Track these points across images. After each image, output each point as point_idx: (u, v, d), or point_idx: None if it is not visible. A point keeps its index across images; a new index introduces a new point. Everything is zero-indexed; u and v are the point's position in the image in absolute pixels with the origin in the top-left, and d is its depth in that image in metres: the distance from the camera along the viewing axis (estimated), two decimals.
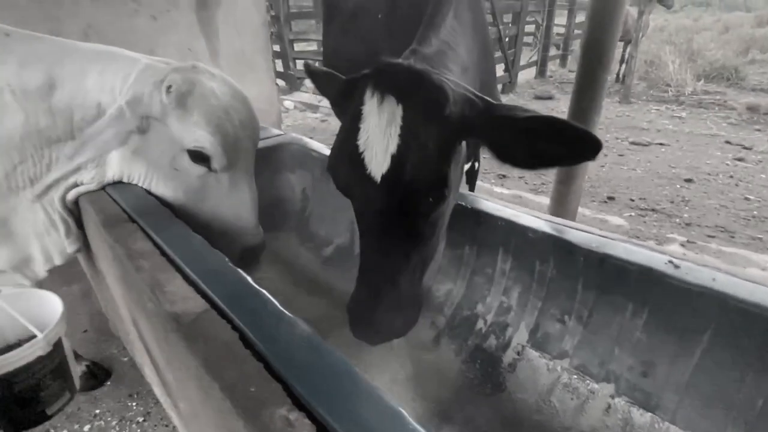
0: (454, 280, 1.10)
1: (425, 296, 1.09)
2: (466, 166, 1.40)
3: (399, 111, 0.71)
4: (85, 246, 1.27)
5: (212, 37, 3.36)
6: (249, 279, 0.74)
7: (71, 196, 1.11)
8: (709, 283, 0.72)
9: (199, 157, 1.01)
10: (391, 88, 0.72)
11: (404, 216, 0.74)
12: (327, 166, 0.82)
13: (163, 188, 1.06)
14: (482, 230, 1.03)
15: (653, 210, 3.08)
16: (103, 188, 1.13)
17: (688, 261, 0.78)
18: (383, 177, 0.71)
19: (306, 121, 6.24)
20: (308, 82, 8.22)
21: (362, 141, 0.73)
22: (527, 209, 1.02)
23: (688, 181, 3.55)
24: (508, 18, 7.77)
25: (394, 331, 0.81)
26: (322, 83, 0.94)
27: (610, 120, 5.47)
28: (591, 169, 3.71)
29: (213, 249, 0.83)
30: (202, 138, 0.98)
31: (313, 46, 9.24)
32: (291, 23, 8.29)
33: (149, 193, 1.08)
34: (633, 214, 3.03)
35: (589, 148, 0.64)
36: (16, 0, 2.45)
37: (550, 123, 0.67)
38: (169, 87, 0.96)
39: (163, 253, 0.83)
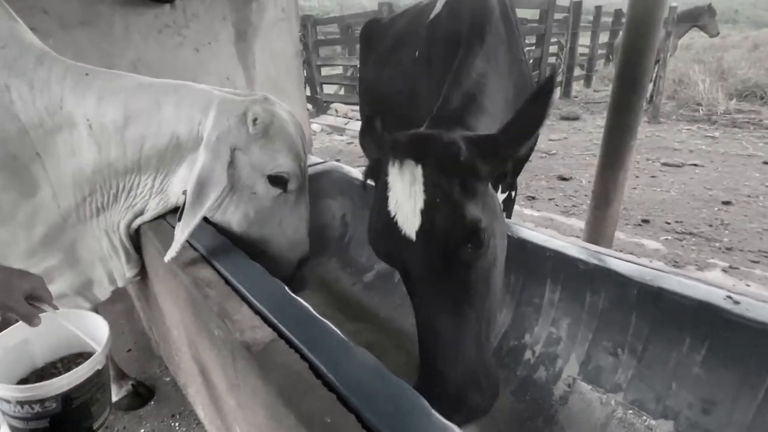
0: (500, 310, 1.11)
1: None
2: (503, 196, 1.42)
3: (419, 170, 0.75)
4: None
5: (249, 66, 3.53)
6: (310, 308, 0.78)
7: (136, 224, 1.18)
8: None
9: (278, 180, 1.09)
10: (408, 153, 0.77)
11: (450, 271, 0.74)
12: (368, 241, 0.85)
13: (233, 211, 1.13)
14: (529, 260, 1.04)
15: (691, 234, 2.99)
16: (163, 216, 1.20)
17: (748, 296, 0.77)
18: (417, 234, 0.74)
19: (333, 144, 6.39)
20: (335, 106, 8.45)
21: (392, 206, 0.77)
22: (574, 239, 1.03)
23: (727, 203, 3.44)
24: (531, 39, 7.84)
25: (477, 406, 0.74)
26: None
27: (640, 140, 5.37)
28: (624, 191, 3.65)
29: (273, 278, 0.87)
30: (284, 164, 1.08)
31: (339, 70, 9.50)
32: (318, 49, 8.59)
33: (206, 221, 1.14)
34: (670, 237, 2.95)
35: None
36: (74, 37, 2.66)
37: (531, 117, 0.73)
38: (255, 119, 1.04)
39: (227, 282, 0.88)
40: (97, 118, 1.04)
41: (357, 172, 1.62)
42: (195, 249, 1.01)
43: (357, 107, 7.53)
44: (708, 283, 0.82)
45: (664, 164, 4.44)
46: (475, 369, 0.74)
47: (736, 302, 0.76)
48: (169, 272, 1.03)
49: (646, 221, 3.19)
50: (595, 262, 0.92)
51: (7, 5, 1.12)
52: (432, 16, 1.39)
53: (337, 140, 6.64)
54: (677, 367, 0.83)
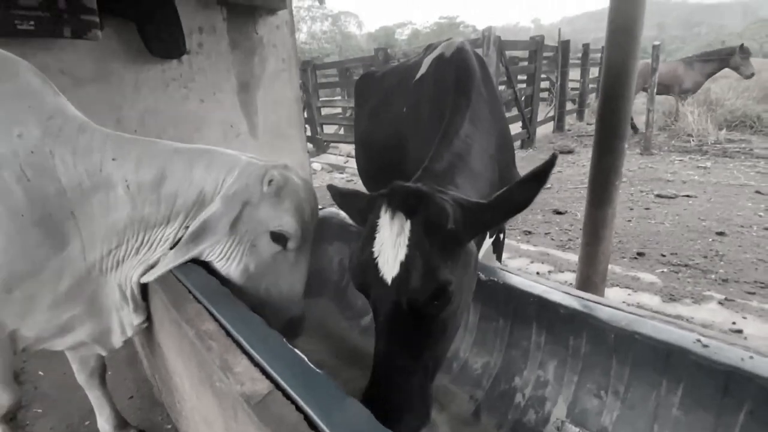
0: (491, 353, 1.15)
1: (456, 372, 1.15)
2: (491, 240, 1.48)
3: (407, 226, 0.84)
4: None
5: (252, 114, 3.72)
6: (305, 359, 0.83)
7: (146, 277, 1.25)
8: (739, 363, 0.76)
9: (279, 238, 1.18)
10: (401, 207, 0.86)
11: (413, 316, 0.84)
12: (348, 267, 0.94)
13: (235, 264, 1.21)
14: (514, 305, 1.09)
15: (686, 265, 3.03)
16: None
17: (718, 340, 0.82)
18: (393, 280, 0.83)
19: (333, 182, 6.53)
20: (335, 145, 8.69)
21: (377, 248, 0.86)
22: (557, 284, 1.09)
23: (721, 234, 3.49)
24: (522, 77, 8.14)
25: (406, 427, 0.85)
26: (346, 202, 1.06)
27: (633, 172, 5.50)
28: (618, 223, 3.71)
29: (271, 330, 0.93)
30: (287, 223, 1.17)
31: (338, 110, 9.86)
32: (318, 91, 8.95)
33: (210, 272, 1.21)
34: (665, 270, 2.99)
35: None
36: (87, 92, 2.84)
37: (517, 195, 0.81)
38: (270, 180, 1.15)
39: (228, 334, 0.94)
40: (136, 179, 1.16)
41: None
42: (199, 301, 1.07)
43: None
44: (681, 327, 0.88)
45: (658, 196, 4.53)
46: (411, 396, 0.85)
47: (705, 345, 0.81)
48: (175, 323, 1.08)
49: (641, 254, 3.24)
50: (575, 306, 0.98)
51: (50, 82, 1.26)
52: (418, 75, 1.51)
53: (336, 178, 6.80)
54: (657, 409, 0.87)
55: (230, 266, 1.23)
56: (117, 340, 1.38)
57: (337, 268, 1.69)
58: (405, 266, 0.82)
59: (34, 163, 1.13)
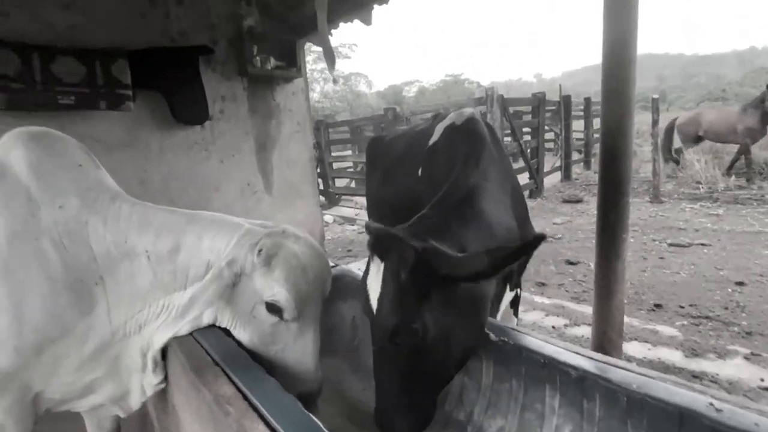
0: (505, 416, 1.14)
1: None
2: (510, 295, 1.52)
3: (381, 266, 1.00)
4: None
5: (268, 173, 3.89)
6: (321, 426, 0.84)
7: (167, 340, 1.30)
8: (752, 428, 0.75)
9: (273, 308, 1.18)
10: (375, 248, 1.03)
11: (392, 346, 0.99)
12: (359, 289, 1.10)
13: (242, 332, 1.23)
14: (526, 366, 1.10)
15: (707, 317, 2.95)
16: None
17: (731, 404, 0.82)
18: (375, 311, 1.01)
19: (345, 234, 6.63)
20: (347, 198, 8.90)
21: (368, 283, 1.05)
22: (567, 344, 1.10)
23: (740, 284, 3.42)
24: (527, 130, 8.43)
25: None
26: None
27: (644, 221, 5.50)
28: (633, 274, 3.67)
29: (287, 393, 0.95)
30: (278, 293, 1.16)
31: (349, 164, 10.21)
32: (330, 147, 9.34)
33: (229, 335, 1.25)
34: (685, 323, 2.91)
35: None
36: (115, 156, 3.04)
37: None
38: (260, 250, 1.18)
39: (245, 398, 0.96)
40: (155, 251, 1.23)
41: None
42: (217, 364, 1.10)
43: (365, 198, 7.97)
44: (693, 389, 0.88)
45: (671, 245, 4.50)
46: (399, 408, 1.02)
47: (719, 410, 0.81)
48: (192, 386, 1.11)
49: (658, 306, 3.17)
50: (586, 367, 0.98)
51: (93, 156, 1.39)
52: (431, 142, 1.62)
53: (348, 230, 6.90)
54: None
55: (238, 335, 1.26)
56: (136, 402, 1.40)
57: (349, 327, 1.71)
58: (379, 303, 1.00)
59: (71, 232, 1.22)
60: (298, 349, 1.22)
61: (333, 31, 3.96)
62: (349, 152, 10.67)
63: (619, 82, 1.98)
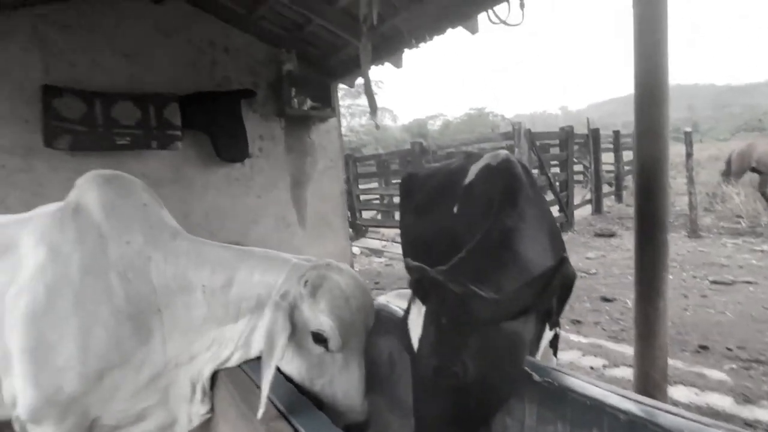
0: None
1: None
2: (550, 335, 1.51)
3: (423, 309, 1.02)
4: None
5: (302, 207, 4.03)
6: None
7: (216, 369, 1.36)
8: None
9: (319, 338, 1.23)
10: (418, 292, 1.05)
11: (433, 384, 1.00)
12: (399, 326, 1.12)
13: (290, 364, 1.28)
14: (571, 408, 1.09)
15: (757, 361, 2.78)
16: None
17: None
18: (417, 351, 1.03)
19: (372, 266, 6.65)
20: (373, 230, 8.99)
21: (410, 321, 1.06)
22: (613, 386, 1.08)
23: None
24: (554, 163, 8.39)
25: None
26: None
27: (682, 256, 5.29)
28: (674, 313, 3.52)
29: (336, 428, 0.98)
30: (324, 323, 1.21)
31: (376, 196, 10.38)
32: (358, 180, 9.56)
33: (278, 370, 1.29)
34: (734, 366, 2.75)
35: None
36: (161, 193, 3.23)
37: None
38: (306, 281, 1.24)
39: (296, 430, 0.99)
40: (210, 285, 1.31)
41: (401, 310, 1.77)
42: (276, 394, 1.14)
43: (394, 230, 8.05)
44: None
45: (714, 282, 4.30)
46: None
47: None
48: (242, 418, 1.15)
49: (704, 347, 3.02)
50: (635, 411, 0.97)
51: (157, 195, 1.52)
52: (467, 181, 1.67)
53: (376, 262, 6.93)
54: None
55: (286, 367, 1.30)
56: (181, 431, 1.45)
57: (386, 362, 1.72)
58: (419, 344, 1.02)
59: (135, 266, 1.32)
60: (344, 380, 1.25)
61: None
62: (376, 185, 10.88)
63: (653, 121, 2.00)
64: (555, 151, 8.25)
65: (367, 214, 9.59)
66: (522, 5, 1.88)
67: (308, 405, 1.10)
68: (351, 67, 4.03)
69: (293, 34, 3.70)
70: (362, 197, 9.55)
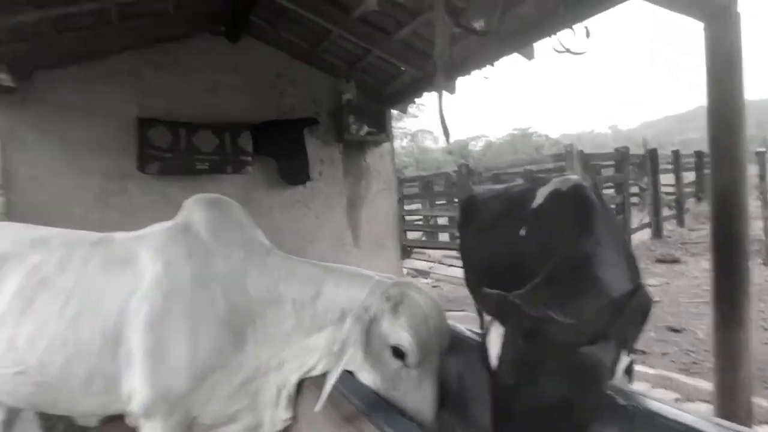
0: None
1: None
2: (626, 361, 1.49)
3: (500, 330, 1.09)
4: None
5: (356, 227, 4.17)
6: None
7: (302, 377, 1.46)
8: None
9: (398, 352, 1.30)
10: (497, 314, 1.12)
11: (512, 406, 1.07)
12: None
13: (367, 375, 1.35)
14: None
15: None
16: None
17: None
18: (496, 374, 1.09)
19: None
20: (418, 251, 9.03)
21: (489, 339, 1.13)
22: (704, 414, 1.06)
23: None
24: (608, 185, 8.08)
25: None
26: None
27: (758, 286, 4.89)
28: (754, 347, 3.26)
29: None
30: (403, 337, 1.29)
31: (419, 216, 10.44)
32: (403, 201, 9.70)
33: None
34: None
35: None
36: None
37: None
38: (388, 297, 1.33)
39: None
40: (299, 297, 1.43)
41: (468, 332, 1.81)
42: (353, 403, 1.22)
43: (440, 251, 8.05)
44: None
45: None
46: None
47: None
48: (332, 422, 1.23)
49: None
50: None
51: (250, 216, 1.68)
52: (535, 205, 1.71)
53: (422, 283, 6.90)
54: None
55: (364, 378, 1.38)
56: None
57: (455, 381, 1.75)
58: (498, 367, 1.08)
59: (235, 280, 1.47)
60: (418, 397, 1.31)
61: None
62: (419, 206, 10.97)
63: (729, 142, 1.95)
64: (608, 172, 7.98)
65: (411, 235, 9.65)
66: (588, 34, 1.93)
67: (396, 413, 1.16)
68: (404, 94, 4.21)
69: (352, 65, 3.93)
70: (406, 218, 9.65)
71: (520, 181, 2.51)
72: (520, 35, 2.53)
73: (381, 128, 4.18)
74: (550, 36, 2.34)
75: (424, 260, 8.35)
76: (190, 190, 3.34)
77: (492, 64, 2.94)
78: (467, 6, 1.84)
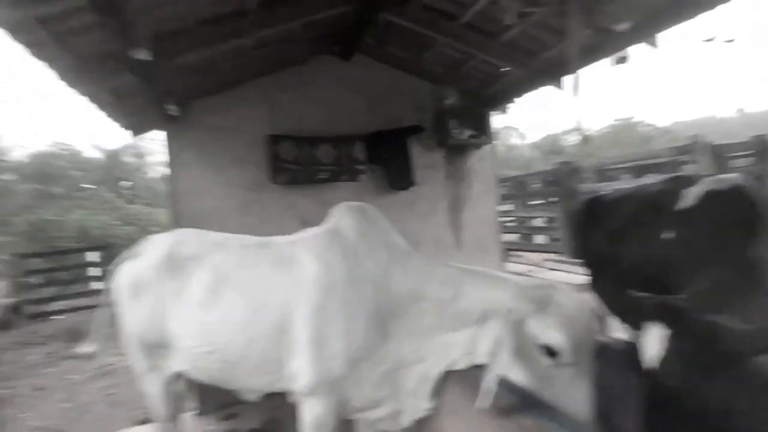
0: None
1: None
2: None
3: (660, 332, 1.10)
4: None
5: (458, 229, 4.23)
6: None
7: (443, 371, 1.58)
8: None
9: (549, 351, 1.35)
10: (660, 317, 1.13)
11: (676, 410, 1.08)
12: None
13: (518, 374, 1.42)
14: None
15: None
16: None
17: None
18: (658, 377, 1.11)
19: None
20: (513, 253, 8.76)
21: (644, 344, 1.15)
22: None
23: None
24: None
25: None
26: None
27: None
28: None
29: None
30: (554, 338, 1.33)
31: (511, 217, 10.09)
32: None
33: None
34: None
35: None
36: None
37: None
38: (532, 299, 1.40)
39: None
40: (439, 297, 1.56)
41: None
42: (509, 397, 1.30)
43: (538, 254, 7.71)
44: None
45: None
46: None
47: None
48: (485, 412, 1.32)
49: None
50: None
51: (388, 221, 1.85)
52: (682, 206, 1.62)
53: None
54: None
55: (515, 376, 1.44)
56: (406, 421, 1.70)
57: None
58: (661, 366, 1.09)
59: (381, 279, 1.64)
60: (573, 394, 1.34)
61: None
62: (511, 207, 10.60)
63: None
64: (739, 164, 6.93)
65: (503, 238, 9.39)
66: (735, 20, 1.76)
67: (548, 409, 1.21)
68: (506, 95, 4.18)
69: (454, 71, 4.01)
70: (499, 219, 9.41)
71: (646, 179, 2.36)
72: (647, 27, 2.38)
73: (482, 131, 4.19)
74: (682, 23, 2.18)
75: (522, 263, 8.07)
76: (312, 198, 3.71)
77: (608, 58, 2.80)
78: (605, 8, 1.80)
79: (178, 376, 2.00)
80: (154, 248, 1.99)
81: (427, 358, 1.61)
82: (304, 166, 3.40)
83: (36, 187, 15.03)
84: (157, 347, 1.94)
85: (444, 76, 4.02)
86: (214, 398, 2.86)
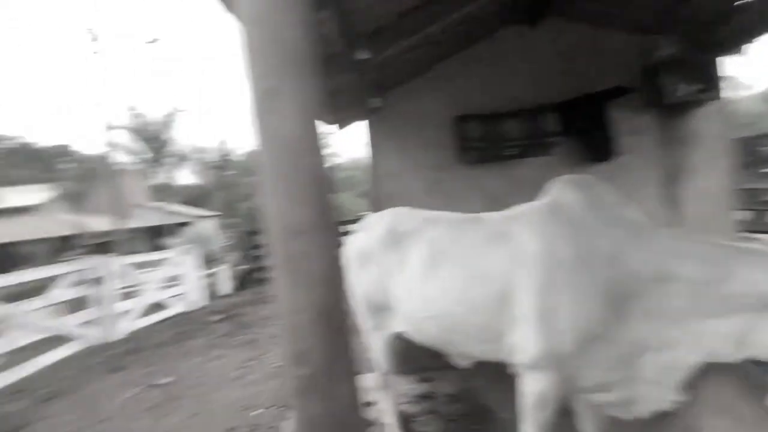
0: None
1: None
2: None
3: None
4: None
5: (675, 206, 3.58)
6: None
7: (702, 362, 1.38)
8: None
9: None
10: None
11: None
12: None
13: None
14: None
15: None
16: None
17: None
18: None
19: None
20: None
21: None
22: None
23: None
24: None
25: None
26: None
27: None
28: None
29: None
30: None
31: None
32: None
33: None
34: None
35: None
36: (534, 193, 3.61)
37: None
38: None
39: None
40: (696, 277, 1.37)
41: None
42: None
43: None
44: None
45: None
46: None
47: None
48: (757, 414, 1.11)
49: None
50: None
51: (618, 193, 1.68)
52: None
53: None
54: None
55: None
56: (643, 410, 1.55)
57: None
58: None
59: (615, 256, 1.51)
60: None
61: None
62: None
63: None
64: None
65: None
66: None
67: None
68: (742, 35, 3.28)
69: (669, 16, 3.34)
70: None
71: None
72: None
73: (708, 84, 3.41)
74: None
75: None
76: (499, 175, 3.65)
77: None
78: None
79: (399, 336, 2.26)
80: (376, 224, 2.27)
81: (677, 345, 1.42)
82: (490, 143, 3.36)
83: (252, 179, 19.03)
84: (381, 309, 2.23)
85: (656, 23, 3.39)
86: (415, 361, 3.15)
